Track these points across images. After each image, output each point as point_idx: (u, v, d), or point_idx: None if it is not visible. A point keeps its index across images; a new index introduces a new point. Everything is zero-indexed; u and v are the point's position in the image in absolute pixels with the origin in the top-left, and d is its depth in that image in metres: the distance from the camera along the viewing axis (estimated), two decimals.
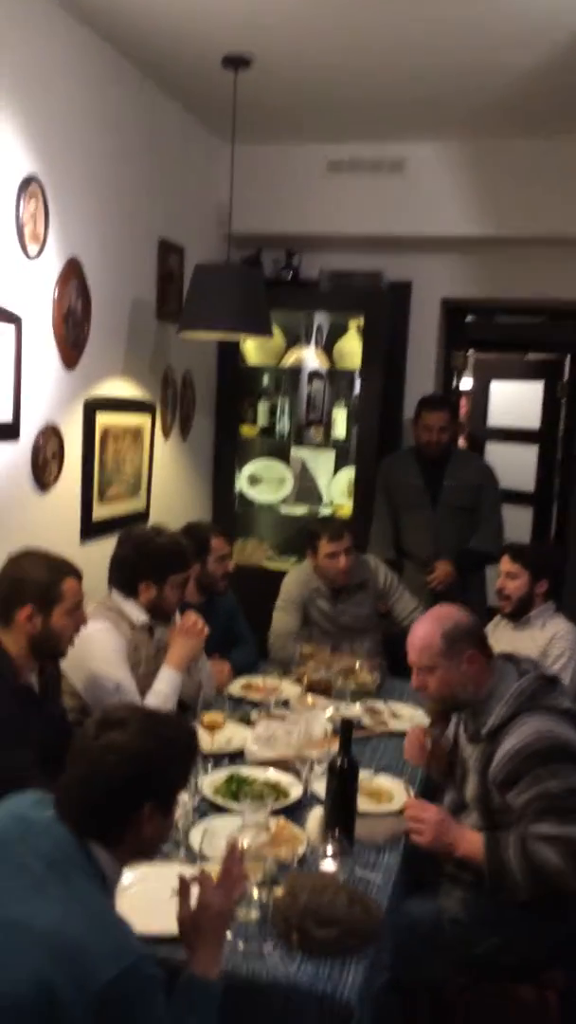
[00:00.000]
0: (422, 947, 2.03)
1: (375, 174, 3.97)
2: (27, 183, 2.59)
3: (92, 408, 3.04)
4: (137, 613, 2.56)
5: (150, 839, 1.45)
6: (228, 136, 3.43)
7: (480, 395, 5.55)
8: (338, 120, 3.70)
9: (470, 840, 2.01)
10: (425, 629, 2.14)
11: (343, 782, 2.00)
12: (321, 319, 4.31)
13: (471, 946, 2.06)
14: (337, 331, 4.29)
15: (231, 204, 3.54)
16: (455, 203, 3.89)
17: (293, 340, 4.34)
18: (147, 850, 1.49)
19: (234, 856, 1.61)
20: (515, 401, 5.53)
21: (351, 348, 4.17)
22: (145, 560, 2.54)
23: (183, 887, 1.56)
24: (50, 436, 2.80)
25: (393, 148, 3.92)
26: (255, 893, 1.72)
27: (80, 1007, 1.23)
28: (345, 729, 2.05)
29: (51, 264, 2.76)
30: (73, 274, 2.87)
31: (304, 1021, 1.56)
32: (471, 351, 5.57)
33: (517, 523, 4.97)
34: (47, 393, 2.80)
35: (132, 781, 1.41)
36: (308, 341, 4.31)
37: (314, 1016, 1.55)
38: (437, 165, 3.89)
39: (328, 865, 1.85)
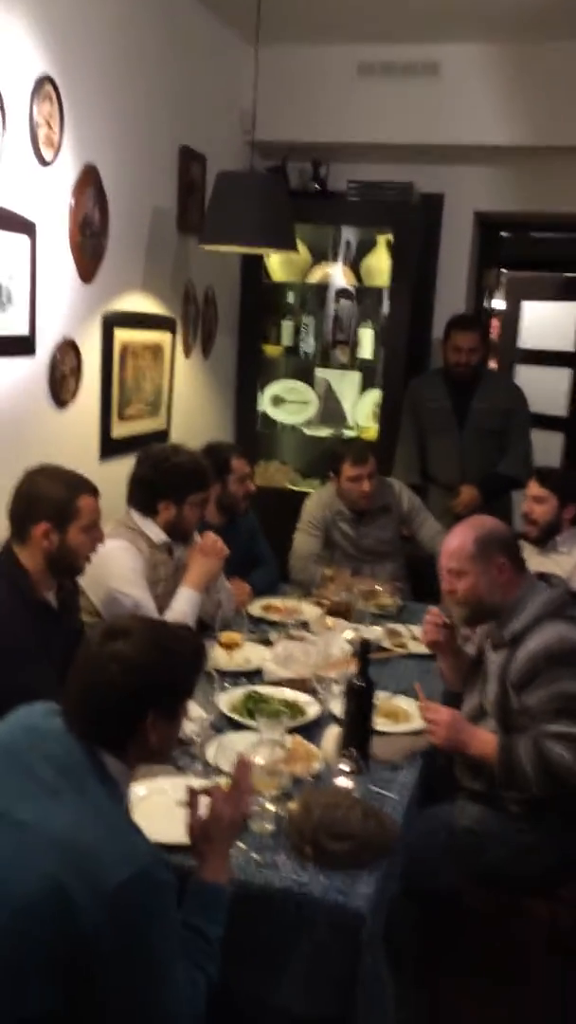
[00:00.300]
0: (435, 855, 2.07)
1: (408, 78, 3.79)
2: (41, 83, 2.47)
3: (110, 323, 2.97)
4: (156, 532, 2.55)
5: (156, 746, 1.46)
6: (252, 37, 3.25)
7: (511, 315, 5.37)
8: (369, 19, 3.51)
9: (483, 739, 2.07)
10: (460, 533, 2.18)
11: (360, 702, 2.00)
12: (349, 234, 4.17)
13: (482, 855, 2.10)
14: (365, 247, 4.15)
15: (254, 110, 3.38)
16: (492, 110, 3.71)
17: (319, 256, 4.21)
18: (154, 757, 1.51)
19: (244, 769, 1.63)
20: (548, 322, 5.35)
21: (379, 265, 4.04)
22: (164, 479, 2.52)
23: (192, 797, 1.59)
24: (67, 351, 2.74)
25: (427, 50, 3.73)
26: (270, 807, 1.74)
27: (93, 909, 1.25)
28: (363, 649, 2.05)
29: (67, 171, 2.66)
30: (90, 182, 2.77)
31: (315, 929, 1.58)
32: (504, 270, 5.38)
33: (548, 448, 4.86)
34: (63, 306, 2.73)
35: (135, 690, 1.41)
36: (335, 257, 4.18)
37: (325, 925, 1.58)
38: (474, 69, 3.71)
39: (343, 782, 1.85)
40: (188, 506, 2.55)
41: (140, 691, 1.41)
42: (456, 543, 2.16)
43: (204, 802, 1.58)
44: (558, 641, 2.02)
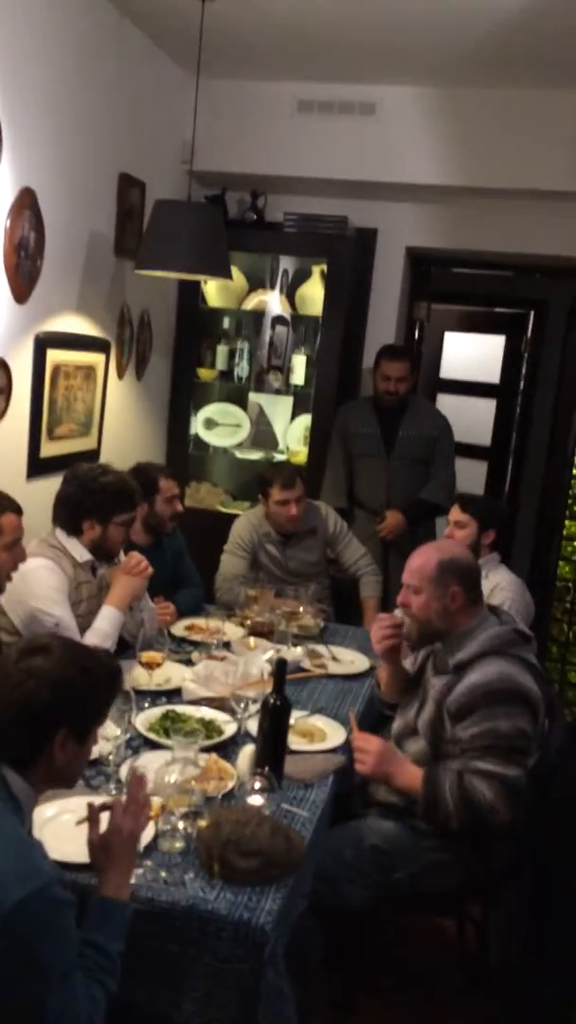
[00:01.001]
0: (342, 873, 2.12)
1: (345, 116, 3.90)
2: None
3: (43, 344, 3.00)
4: (80, 551, 2.56)
5: (63, 767, 1.48)
6: (194, 70, 3.34)
7: (435, 345, 5.54)
8: (309, 58, 3.61)
9: (409, 772, 2.13)
10: (426, 553, 2.24)
11: (275, 720, 2.04)
12: (286, 263, 4.26)
13: (391, 873, 2.15)
14: (301, 276, 4.25)
15: (194, 140, 3.47)
16: (425, 150, 3.84)
17: (256, 283, 4.29)
18: (60, 778, 1.52)
19: (138, 782, 1.66)
20: (474, 354, 5.53)
21: (314, 294, 4.14)
22: (90, 498, 2.53)
23: (93, 813, 1.61)
24: None
25: (365, 90, 3.85)
26: (180, 825, 1.78)
27: None
28: (279, 669, 2.09)
29: (3, 193, 2.69)
30: (27, 204, 2.80)
31: (220, 946, 1.61)
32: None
33: (471, 476, 5.02)
34: None
35: (49, 705, 1.43)
36: (272, 285, 4.27)
37: (229, 941, 1.61)
38: (409, 110, 3.83)
39: (255, 799, 1.90)
40: (113, 526, 2.56)
41: (54, 707, 1.44)
42: (419, 561, 2.22)
43: (105, 818, 1.61)
44: (499, 679, 2.06)
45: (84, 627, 2.50)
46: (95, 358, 3.41)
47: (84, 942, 1.44)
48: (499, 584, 3.03)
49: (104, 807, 1.64)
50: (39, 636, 1.58)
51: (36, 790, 1.49)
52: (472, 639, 2.15)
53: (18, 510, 2.16)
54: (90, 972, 1.43)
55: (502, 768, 2.01)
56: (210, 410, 4.39)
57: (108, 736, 2.00)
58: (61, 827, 1.74)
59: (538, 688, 2.10)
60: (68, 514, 2.55)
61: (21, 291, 2.84)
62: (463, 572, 2.20)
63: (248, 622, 3.00)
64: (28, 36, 2.72)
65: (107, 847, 1.57)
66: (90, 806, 1.63)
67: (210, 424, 4.39)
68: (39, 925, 1.31)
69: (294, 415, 4.38)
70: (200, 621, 3.03)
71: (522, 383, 5.38)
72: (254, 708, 2.32)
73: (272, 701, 2.04)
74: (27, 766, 1.45)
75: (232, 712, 2.34)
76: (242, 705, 2.31)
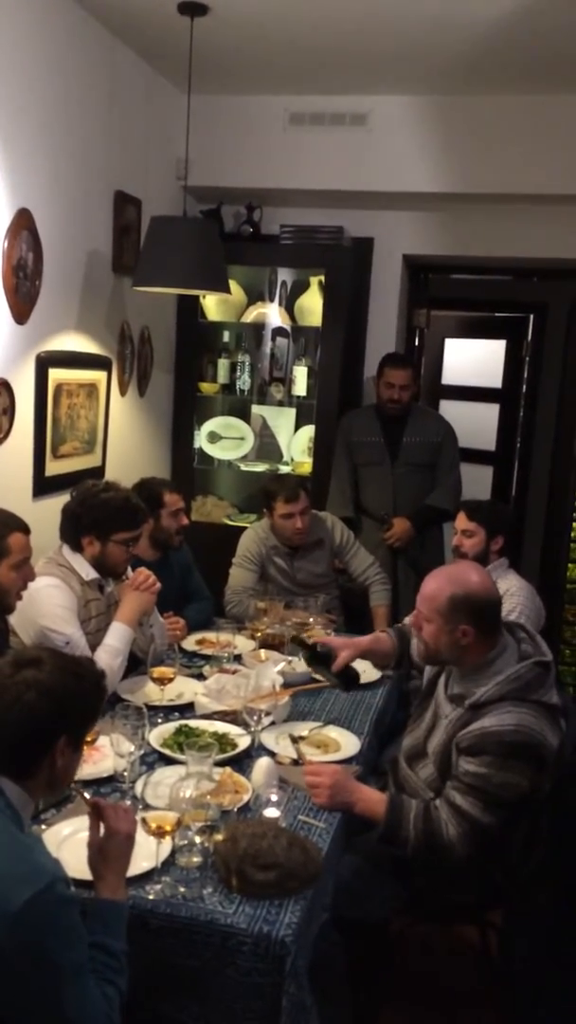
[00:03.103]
0: (362, 883, 2.09)
1: (337, 128, 3.92)
2: None
3: (45, 363, 3.01)
4: (86, 569, 2.56)
5: (61, 772, 1.51)
6: (186, 86, 3.36)
7: (436, 352, 5.56)
8: (299, 71, 3.64)
9: (368, 798, 2.07)
10: (439, 583, 2.12)
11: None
12: (283, 275, 4.27)
13: (409, 883, 2.12)
14: (299, 288, 4.26)
15: (187, 156, 3.49)
16: (418, 159, 3.85)
17: (255, 296, 4.31)
18: (57, 784, 1.55)
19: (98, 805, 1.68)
20: (476, 359, 5.53)
21: (313, 305, 4.15)
22: (89, 514, 2.53)
23: (97, 810, 1.64)
24: (0, 391, 2.77)
25: (356, 101, 3.87)
26: (196, 839, 1.76)
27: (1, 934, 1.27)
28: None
29: (0, 214, 2.71)
30: (24, 225, 2.82)
31: (241, 960, 1.60)
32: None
33: (477, 481, 5.01)
34: None
35: (50, 715, 1.46)
36: (271, 298, 4.28)
37: (250, 955, 1.60)
38: (401, 119, 3.85)
39: (271, 812, 1.89)
40: (112, 543, 2.54)
41: (56, 716, 1.46)
42: (432, 590, 2.11)
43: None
44: (514, 731, 1.96)
45: (94, 644, 2.50)
46: (97, 376, 3.42)
47: (91, 946, 1.44)
48: (509, 590, 3.01)
49: (95, 802, 1.67)
50: (27, 648, 1.62)
51: (32, 797, 1.50)
52: (488, 676, 2.06)
53: (25, 529, 2.16)
54: (99, 973, 1.44)
55: (478, 812, 1.96)
56: (213, 424, 4.39)
57: (123, 752, 1.99)
58: (78, 844, 1.73)
59: (555, 737, 2.03)
60: (70, 529, 2.56)
61: (21, 311, 2.85)
62: (477, 609, 2.06)
63: (258, 634, 2.98)
64: (20, 58, 2.74)
65: (104, 851, 1.60)
66: (95, 802, 1.67)
67: (214, 438, 4.39)
68: (48, 923, 1.31)
69: (297, 426, 4.38)
70: (210, 635, 3.02)
71: (524, 386, 5.38)
72: (267, 720, 2.31)
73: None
74: (27, 776, 1.47)
75: (245, 725, 2.33)
76: (255, 718, 2.29)
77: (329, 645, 2.50)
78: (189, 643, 2.97)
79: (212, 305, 4.25)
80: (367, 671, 2.91)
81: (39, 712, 1.45)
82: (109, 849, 1.60)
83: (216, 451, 4.39)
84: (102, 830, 1.62)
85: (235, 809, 1.93)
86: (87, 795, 1.77)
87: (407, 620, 2.60)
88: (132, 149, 3.60)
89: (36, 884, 1.31)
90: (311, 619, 3.09)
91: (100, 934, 1.48)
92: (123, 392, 3.72)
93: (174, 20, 3.11)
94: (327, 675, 2.50)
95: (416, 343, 4.87)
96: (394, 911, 2.17)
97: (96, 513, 2.52)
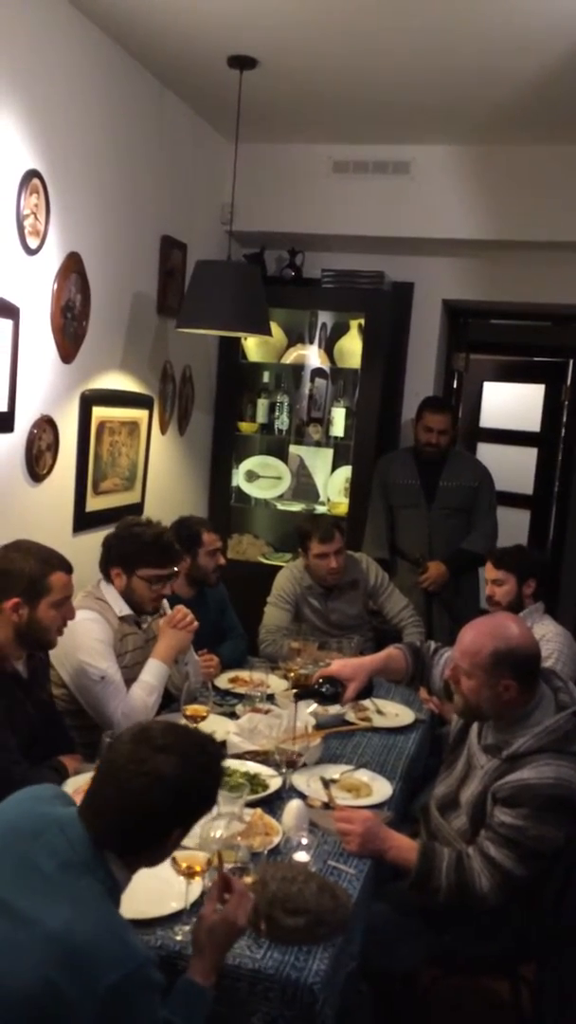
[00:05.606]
0: (392, 934, 2.05)
1: (380, 175, 3.99)
2: (29, 177, 2.62)
3: (89, 401, 3.08)
4: (120, 604, 2.58)
5: (167, 854, 1.51)
6: (233, 135, 3.46)
7: (475, 396, 5.57)
8: (343, 122, 3.73)
9: (400, 845, 2.04)
10: (479, 636, 2.05)
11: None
12: (324, 318, 4.33)
13: (442, 933, 2.08)
14: (339, 330, 4.32)
15: (233, 202, 3.57)
16: (459, 206, 3.91)
17: (295, 338, 4.37)
18: (159, 861, 1.52)
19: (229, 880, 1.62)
20: (514, 403, 5.53)
21: (352, 347, 4.20)
22: (119, 545, 2.57)
23: (222, 884, 1.59)
24: (45, 428, 2.83)
25: (398, 150, 3.95)
26: None
27: (84, 1007, 1.27)
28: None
29: (51, 258, 2.80)
30: (73, 268, 2.91)
31: (268, 1007, 1.59)
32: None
33: (515, 525, 4.98)
34: (43, 385, 2.83)
35: (171, 810, 1.44)
36: (311, 340, 4.34)
37: (277, 1002, 1.58)
38: (442, 168, 3.92)
39: (301, 856, 1.88)
40: (137, 578, 2.55)
41: (176, 812, 1.45)
42: (473, 644, 2.05)
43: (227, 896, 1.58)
44: (553, 784, 1.92)
45: (129, 679, 2.51)
46: (139, 414, 3.48)
47: (165, 1021, 1.41)
48: (545, 635, 2.97)
49: (227, 878, 1.61)
50: (152, 725, 1.53)
51: (131, 870, 1.48)
52: (527, 728, 2.02)
53: (68, 568, 2.18)
54: None
55: (511, 864, 1.93)
56: (251, 463, 4.44)
57: None
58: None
59: None
60: (103, 559, 2.60)
61: (68, 351, 2.93)
62: (520, 664, 2.01)
63: (292, 674, 2.97)
64: (74, 107, 2.85)
65: (213, 930, 1.53)
66: (224, 876, 1.60)
67: (251, 476, 4.43)
68: (131, 1004, 1.31)
69: (334, 467, 4.41)
70: (244, 673, 3.02)
71: (563, 431, 5.36)
72: (300, 761, 2.30)
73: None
74: (134, 855, 1.46)
75: (276, 766, 2.33)
76: (287, 759, 2.28)
77: (337, 679, 2.45)
78: (222, 681, 2.98)
79: (253, 346, 4.32)
80: (400, 714, 2.90)
81: (163, 808, 1.42)
82: (221, 932, 1.53)
83: (253, 490, 4.43)
84: (218, 904, 1.56)
85: (265, 851, 1.91)
86: (227, 866, 1.69)
87: (430, 643, 2.58)
88: (179, 195, 3.70)
89: (128, 966, 1.31)
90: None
91: (179, 1013, 1.44)
92: (164, 430, 3.78)
93: (224, 73, 3.21)
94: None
95: (455, 386, 4.89)
96: (423, 962, 2.13)
97: (125, 546, 2.56)
